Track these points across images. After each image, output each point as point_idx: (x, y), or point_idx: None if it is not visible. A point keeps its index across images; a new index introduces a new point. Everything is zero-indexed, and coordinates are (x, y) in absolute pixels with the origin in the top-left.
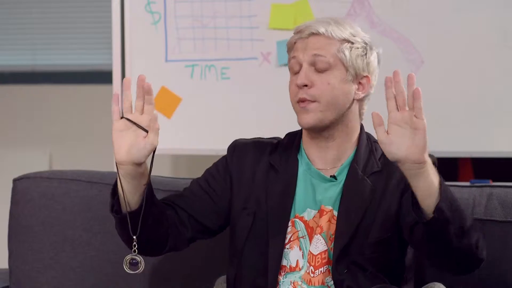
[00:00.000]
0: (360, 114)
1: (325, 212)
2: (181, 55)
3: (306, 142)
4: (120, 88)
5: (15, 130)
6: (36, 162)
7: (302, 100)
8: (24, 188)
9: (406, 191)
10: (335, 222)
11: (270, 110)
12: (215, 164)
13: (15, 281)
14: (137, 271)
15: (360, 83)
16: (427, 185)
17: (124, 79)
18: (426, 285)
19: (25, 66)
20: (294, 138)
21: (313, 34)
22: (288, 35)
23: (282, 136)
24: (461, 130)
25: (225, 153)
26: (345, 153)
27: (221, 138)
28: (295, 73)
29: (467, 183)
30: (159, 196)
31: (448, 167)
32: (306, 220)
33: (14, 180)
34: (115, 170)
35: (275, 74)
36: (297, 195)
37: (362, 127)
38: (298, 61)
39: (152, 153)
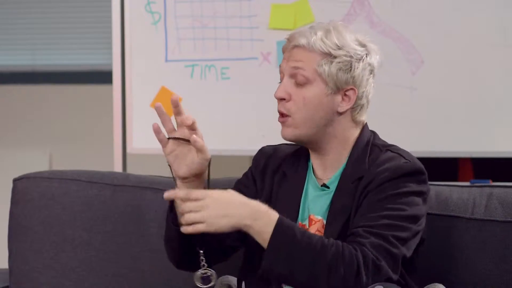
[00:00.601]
0: (355, 122)
1: (313, 222)
2: (181, 55)
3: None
4: (120, 88)
5: (15, 130)
6: (36, 162)
7: (280, 114)
8: (24, 188)
9: (365, 197)
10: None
11: (270, 110)
12: (245, 174)
13: (15, 281)
14: (210, 285)
15: (345, 95)
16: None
17: (156, 106)
18: (427, 286)
19: (25, 66)
20: None
21: (295, 46)
22: None
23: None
24: (461, 130)
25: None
26: (341, 159)
27: (221, 138)
28: (281, 79)
29: (467, 183)
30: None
31: (448, 167)
32: (308, 228)
33: (14, 180)
34: (115, 170)
35: (275, 74)
36: (302, 203)
37: (363, 129)
38: (282, 71)
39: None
